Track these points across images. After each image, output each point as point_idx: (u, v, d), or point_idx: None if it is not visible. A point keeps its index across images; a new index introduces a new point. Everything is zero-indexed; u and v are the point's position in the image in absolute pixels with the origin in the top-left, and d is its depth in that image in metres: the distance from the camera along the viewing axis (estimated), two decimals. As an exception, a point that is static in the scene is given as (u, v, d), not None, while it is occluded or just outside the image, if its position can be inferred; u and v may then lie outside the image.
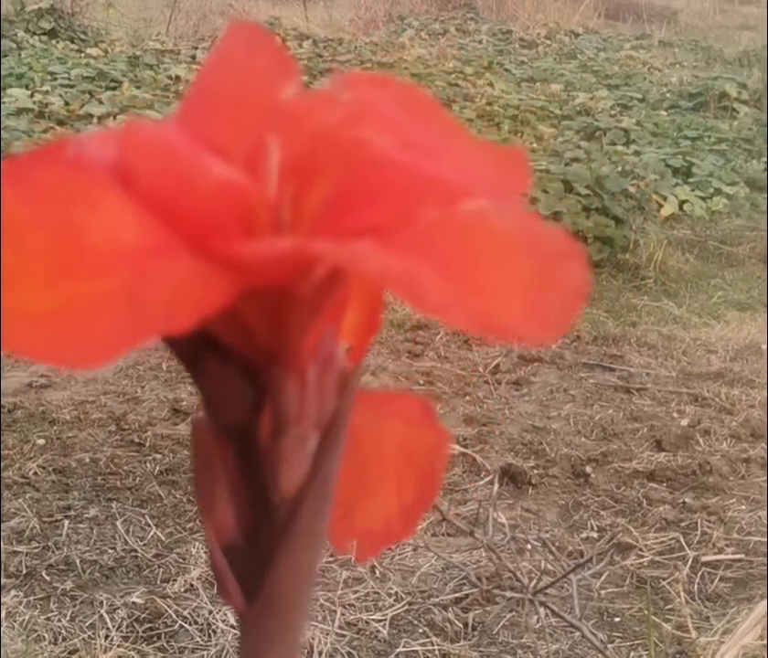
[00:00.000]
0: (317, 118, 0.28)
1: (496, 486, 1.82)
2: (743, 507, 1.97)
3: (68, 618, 1.62)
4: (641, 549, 1.83)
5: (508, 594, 1.61)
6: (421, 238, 0.24)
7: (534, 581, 1.61)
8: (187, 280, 0.23)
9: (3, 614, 1.61)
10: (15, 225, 0.23)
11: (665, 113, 5.51)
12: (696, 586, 1.75)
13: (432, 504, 0.34)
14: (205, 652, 1.57)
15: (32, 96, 4.69)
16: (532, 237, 0.25)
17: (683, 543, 1.85)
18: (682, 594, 1.55)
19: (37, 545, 1.80)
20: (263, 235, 0.25)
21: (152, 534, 1.82)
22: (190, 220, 0.24)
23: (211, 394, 0.28)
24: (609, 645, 1.57)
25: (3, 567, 1.73)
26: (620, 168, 3.90)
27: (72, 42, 6.17)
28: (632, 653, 1.55)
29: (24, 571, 1.72)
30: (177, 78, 5.48)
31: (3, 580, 1.70)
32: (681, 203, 4.03)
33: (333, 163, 0.27)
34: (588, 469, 2.09)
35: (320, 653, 1.55)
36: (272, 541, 0.27)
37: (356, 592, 1.70)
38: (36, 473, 2.00)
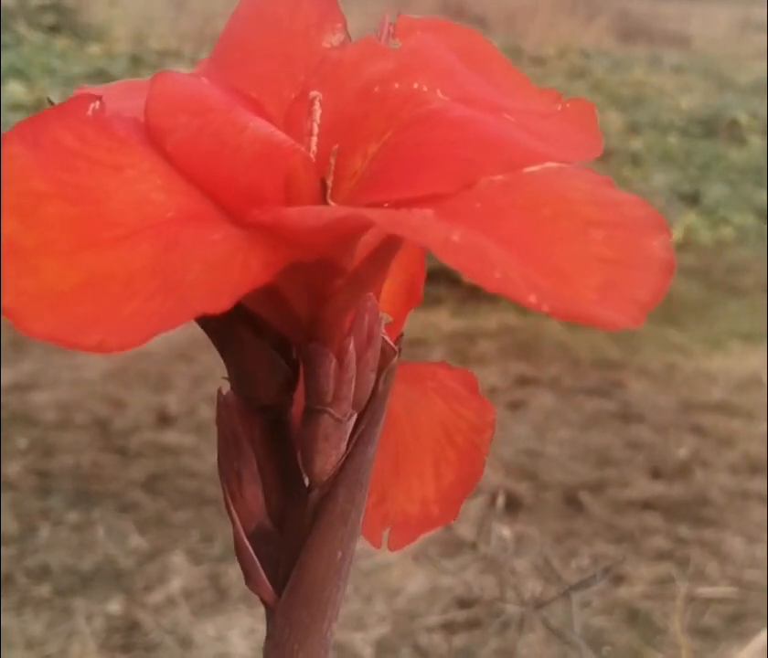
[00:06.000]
0: (365, 70, 0.25)
1: (501, 500, 1.79)
2: (739, 540, 1.93)
3: (43, 624, 1.58)
4: (633, 579, 1.79)
5: (509, 607, 1.58)
6: (484, 207, 0.21)
7: (532, 598, 1.58)
8: (225, 253, 0.20)
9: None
10: (30, 194, 0.20)
11: (674, 139, 5.48)
12: (687, 619, 1.71)
13: (475, 486, 0.31)
14: (183, 666, 1.53)
15: (30, 92, 4.66)
16: (608, 204, 0.22)
17: (676, 575, 1.81)
18: (679, 626, 1.52)
19: (15, 548, 1.76)
20: (307, 202, 0.22)
21: (133, 542, 1.78)
22: (226, 185, 0.21)
23: (242, 369, 0.25)
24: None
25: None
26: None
27: (75, 37, 6.12)
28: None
29: None
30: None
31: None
32: (687, 230, 3.99)
33: (382, 121, 0.24)
34: (582, 495, 2.05)
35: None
36: (303, 528, 0.25)
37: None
38: (17, 475, 1.96)
